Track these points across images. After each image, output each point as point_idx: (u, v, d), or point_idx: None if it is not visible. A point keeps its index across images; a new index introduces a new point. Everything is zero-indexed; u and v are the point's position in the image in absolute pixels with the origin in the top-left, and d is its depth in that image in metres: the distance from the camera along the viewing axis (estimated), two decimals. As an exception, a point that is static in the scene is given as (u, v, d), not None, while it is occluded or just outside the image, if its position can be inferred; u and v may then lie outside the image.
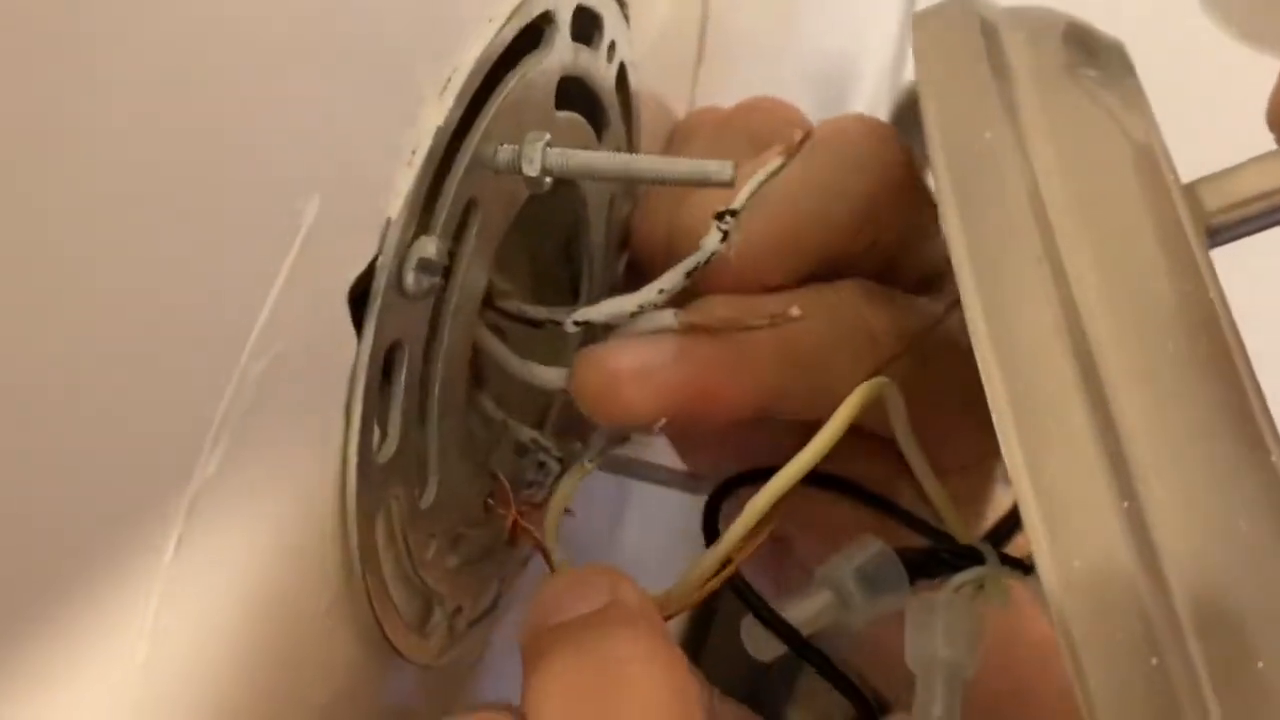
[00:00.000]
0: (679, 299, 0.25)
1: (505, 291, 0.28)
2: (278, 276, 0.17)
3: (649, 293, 0.25)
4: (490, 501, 0.26)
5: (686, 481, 0.32)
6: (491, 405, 0.29)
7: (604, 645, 0.21)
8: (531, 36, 0.24)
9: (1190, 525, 0.17)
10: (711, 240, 0.24)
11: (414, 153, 0.20)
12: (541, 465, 0.29)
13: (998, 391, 0.18)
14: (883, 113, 0.79)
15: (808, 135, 0.24)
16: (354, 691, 0.23)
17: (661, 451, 0.33)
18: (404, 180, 0.20)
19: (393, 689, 0.25)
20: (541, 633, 0.22)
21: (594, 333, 0.30)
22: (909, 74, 0.82)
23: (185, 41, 0.15)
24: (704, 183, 0.22)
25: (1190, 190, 0.21)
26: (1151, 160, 0.21)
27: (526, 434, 0.28)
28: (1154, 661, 0.16)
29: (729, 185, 0.22)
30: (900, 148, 0.28)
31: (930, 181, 0.23)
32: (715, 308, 0.26)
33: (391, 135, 0.20)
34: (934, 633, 0.24)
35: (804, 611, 0.25)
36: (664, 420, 0.25)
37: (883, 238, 0.28)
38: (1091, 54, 0.24)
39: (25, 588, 0.15)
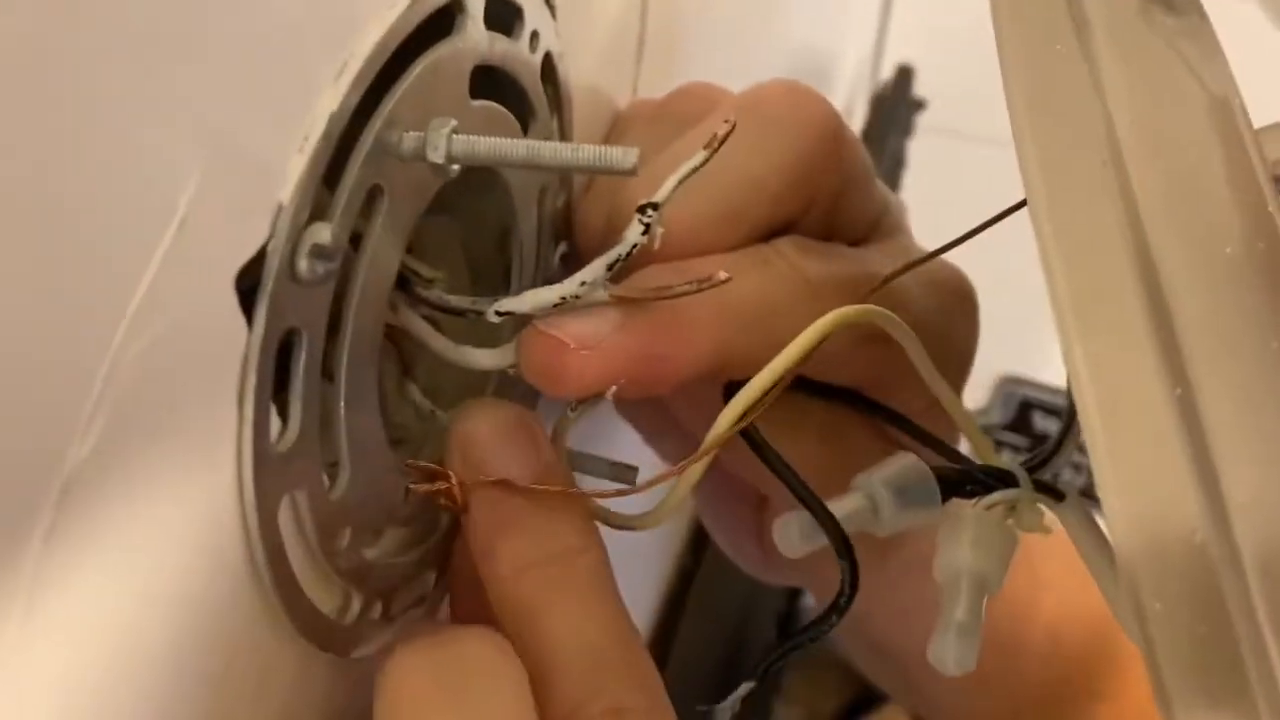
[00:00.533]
0: (621, 276, 0.26)
1: (429, 280, 0.28)
2: (153, 255, 0.17)
3: (571, 285, 0.25)
4: (412, 486, 0.26)
5: (622, 472, 0.32)
6: (420, 396, 0.29)
7: (551, 530, 0.25)
8: (443, 25, 0.24)
9: (1242, 420, 0.17)
10: (633, 232, 0.24)
11: (306, 138, 0.20)
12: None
13: (1058, 284, 0.18)
14: (860, 106, 0.79)
15: (731, 129, 0.24)
16: (267, 684, 0.23)
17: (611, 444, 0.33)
18: (295, 165, 0.20)
19: (315, 681, 0.25)
20: (496, 506, 0.25)
21: (524, 324, 0.30)
22: (887, 71, 0.82)
23: (55, 12, 0.15)
24: (608, 170, 0.22)
25: (1259, 138, 0.22)
26: (1227, 110, 0.21)
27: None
28: (1207, 555, 0.17)
29: (631, 173, 0.22)
30: (824, 103, 0.28)
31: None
32: (647, 280, 0.26)
33: (281, 120, 0.20)
34: (962, 543, 0.24)
35: (836, 511, 0.25)
36: (614, 389, 0.25)
37: (818, 195, 0.29)
38: (1169, 4, 0.24)
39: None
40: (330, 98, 0.20)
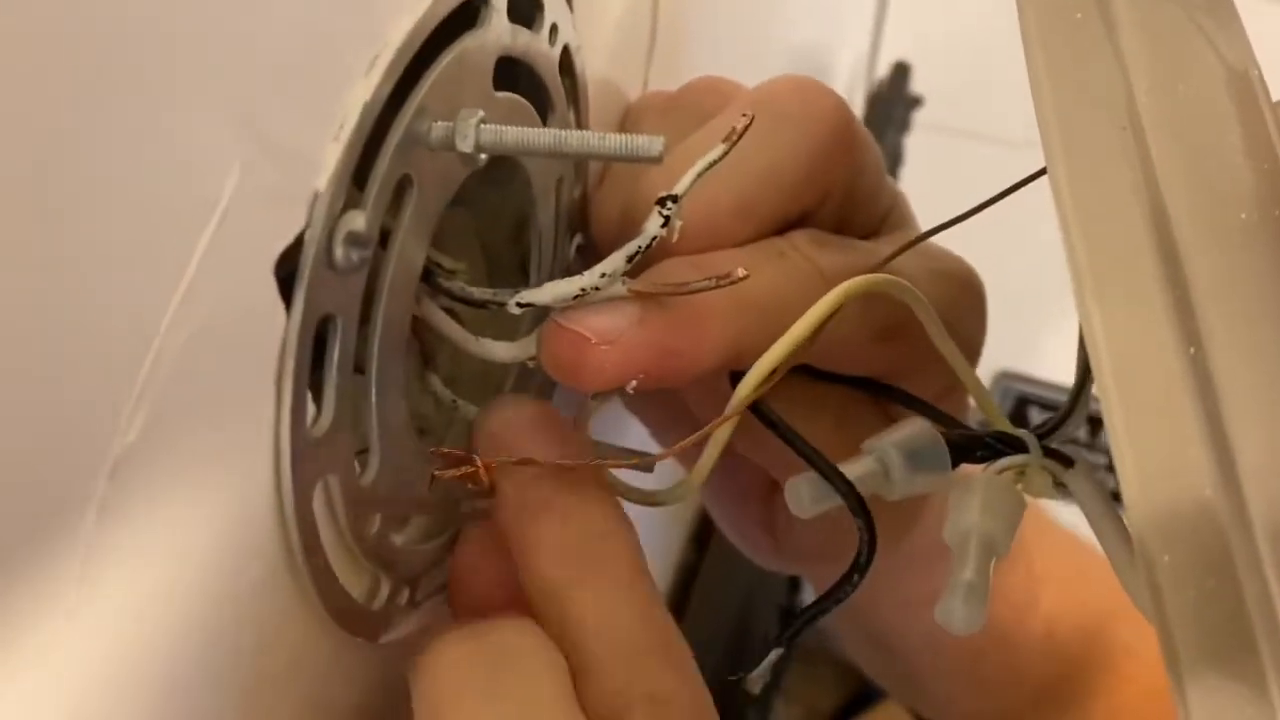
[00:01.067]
0: (640, 268, 0.26)
1: (450, 272, 0.28)
2: (197, 245, 0.17)
3: (591, 276, 0.25)
4: (437, 474, 0.26)
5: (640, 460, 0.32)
6: (441, 386, 0.30)
7: (583, 514, 0.25)
8: (468, 17, 0.24)
9: (1254, 383, 0.17)
10: (653, 224, 0.25)
11: (341, 128, 0.20)
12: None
13: (1075, 244, 0.18)
14: (856, 103, 0.80)
15: (750, 122, 0.24)
16: (299, 665, 0.24)
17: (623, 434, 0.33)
18: (331, 155, 0.20)
19: (345, 664, 0.26)
20: (525, 486, 0.25)
21: (542, 316, 0.31)
22: (883, 68, 0.82)
23: (100, 6, 0.15)
24: (633, 158, 0.23)
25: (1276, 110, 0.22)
26: (1245, 82, 0.22)
27: (476, 413, 0.29)
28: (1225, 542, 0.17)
29: (658, 161, 0.23)
30: (834, 97, 0.29)
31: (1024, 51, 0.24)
32: (665, 274, 0.27)
33: (317, 110, 0.20)
34: (972, 505, 0.24)
35: (847, 473, 0.25)
36: (634, 383, 0.26)
37: (831, 189, 0.29)
38: None
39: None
40: (363, 88, 0.21)
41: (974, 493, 0.25)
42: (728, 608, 0.65)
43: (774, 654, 0.25)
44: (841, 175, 0.30)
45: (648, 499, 0.27)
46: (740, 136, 0.24)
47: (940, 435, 0.26)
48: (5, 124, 0.14)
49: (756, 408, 0.26)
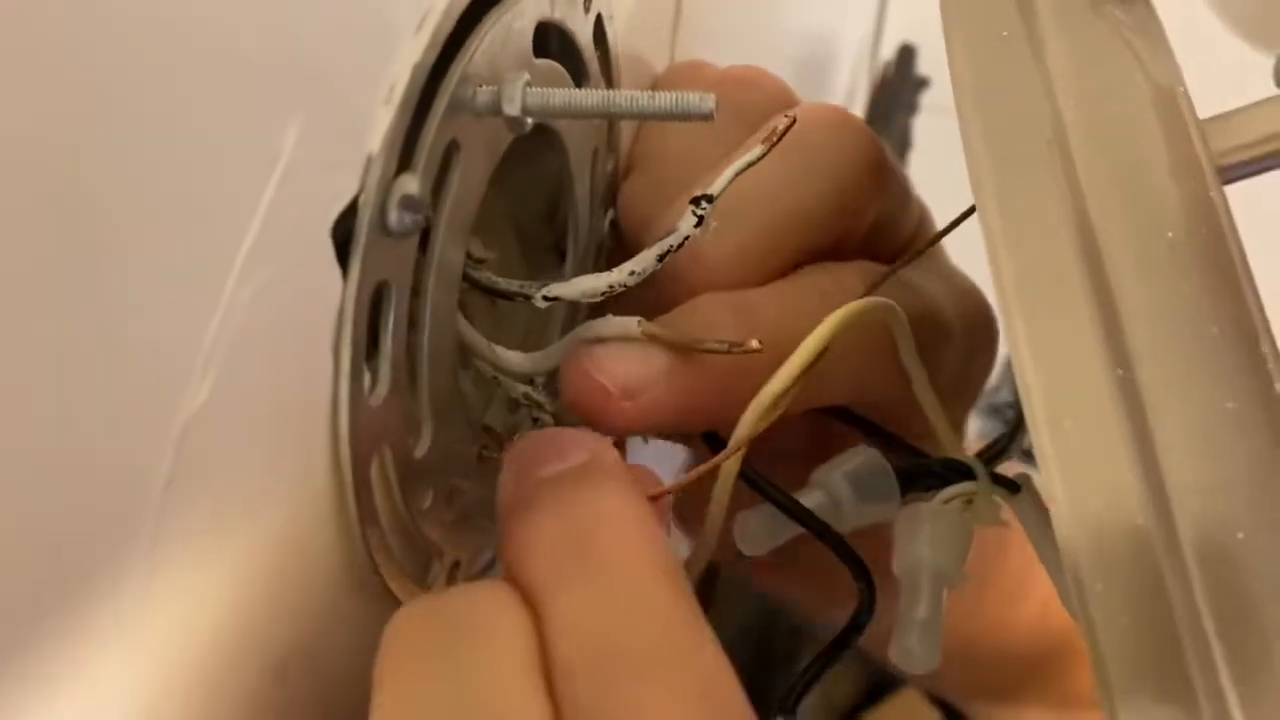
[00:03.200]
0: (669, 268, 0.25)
1: (479, 261, 0.28)
2: (261, 201, 0.17)
3: (621, 274, 0.25)
4: (485, 453, 0.26)
5: None
6: (481, 362, 0.29)
7: (586, 499, 0.21)
8: (507, -18, 0.24)
9: (1182, 403, 0.17)
10: (686, 224, 0.24)
11: (392, 89, 0.20)
12: (536, 421, 0.29)
13: (1002, 264, 0.18)
14: (862, 86, 0.79)
15: (791, 124, 0.24)
16: (354, 638, 0.23)
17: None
18: (383, 117, 0.20)
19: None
20: (521, 487, 0.22)
21: (573, 310, 0.30)
22: (887, 51, 0.82)
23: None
24: (685, 116, 0.22)
25: (1203, 128, 0.22)
26: (1172, 100, 0.21)
27: (519, 390, 0.28)
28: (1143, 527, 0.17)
29: (709, 118, 0.22)
30: (868, 134, 0.29)
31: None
32: (698, 311, 0.26)
33: (369, 70, 0.20)
34: (920, 539, 0.24)
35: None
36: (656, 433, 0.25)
37: (859, 223, 0.29)
38: None
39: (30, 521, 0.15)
40: (413, 50, 0.21)
41: (921, 525, 0.24)
42: (747, 614, 0.64)
43: None
44: (871, 209, 0.29)
45: None
46: (780, 138, 0.24)
47: (888, 465, 0.25)
48: (80, 86, 0.14)
49: (743, 472, 0.25)
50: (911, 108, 0.78)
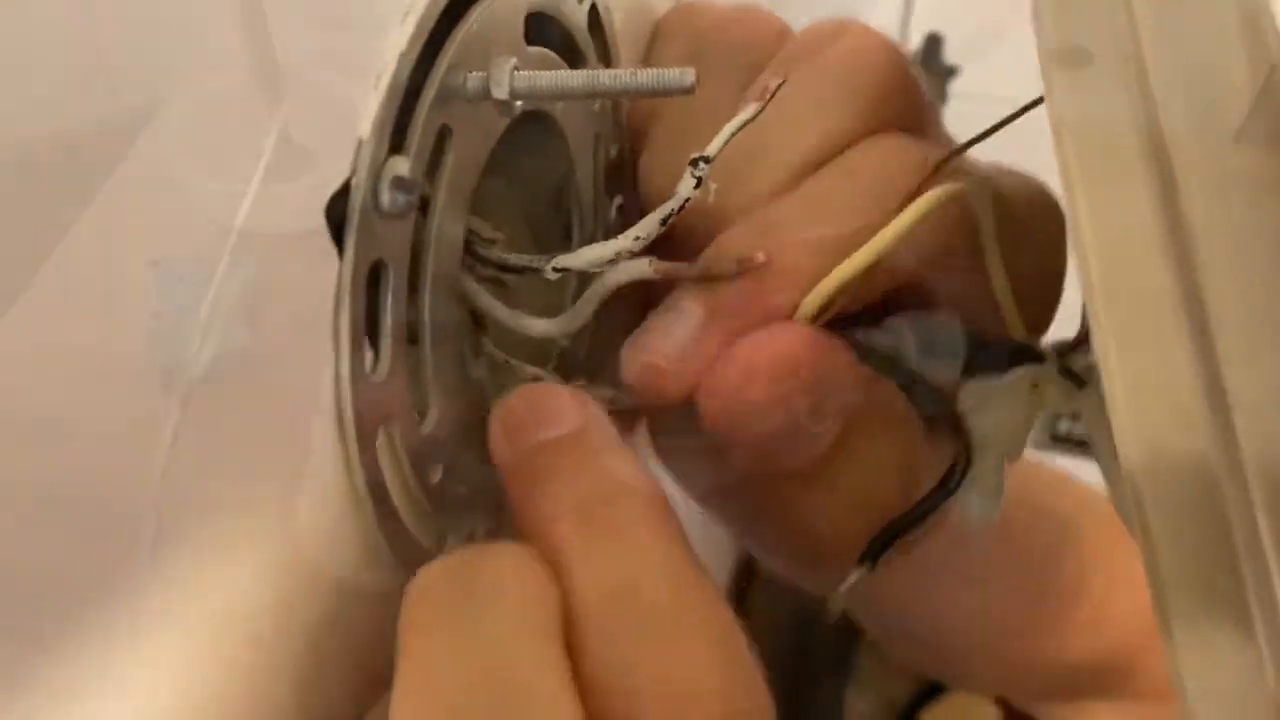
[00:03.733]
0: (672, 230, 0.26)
1: (489, 241, 0.29)
2: (253, 178, 0.18)
3: (626, 240, 0.26)
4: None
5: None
6: (494, 347, 0.30)
7: (592, 465, 0.23)
8: (496, -28, 0.25)
9: (1248, 311, 0.17)
10: (686, 186, 0.25)
11: (379, 77, 0.21)
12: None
13: (1073, 175, 0.19)
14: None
15: (782, 83, 0.24)
16: (371, 613, 0.24)
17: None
18: (371, 103, 0.21)
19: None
20: (520, 451, 0.23)
21: (584, 280, 0.31)
22: (914, 40, 0.82)
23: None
24: (667, 90, 0.23)
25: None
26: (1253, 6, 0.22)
27: (530, 372, 0.29)
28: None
29: (689, 92, 0.23)
30: (882, 49, 0.29)
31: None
32: (732, 240, 0.27)
33: (355, 58, 0.21)
34: (986, 411, 0.25)
35: (863, 340, 0.26)
36: None
37: (887, 129, 0.29)
38: None
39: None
40: (398, 38, 0.21)
41: (989, 396, 0.25)
42: (785, 605, 0.65)
43: (857, 573, 0.26)
44: (895, 121, 0.29)
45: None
46: (773, 95, 0.24)
47: (960, 327, 0.26)
48: (77, 71, 0.15)
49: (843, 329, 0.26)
50: (941, 96, 0.78)
